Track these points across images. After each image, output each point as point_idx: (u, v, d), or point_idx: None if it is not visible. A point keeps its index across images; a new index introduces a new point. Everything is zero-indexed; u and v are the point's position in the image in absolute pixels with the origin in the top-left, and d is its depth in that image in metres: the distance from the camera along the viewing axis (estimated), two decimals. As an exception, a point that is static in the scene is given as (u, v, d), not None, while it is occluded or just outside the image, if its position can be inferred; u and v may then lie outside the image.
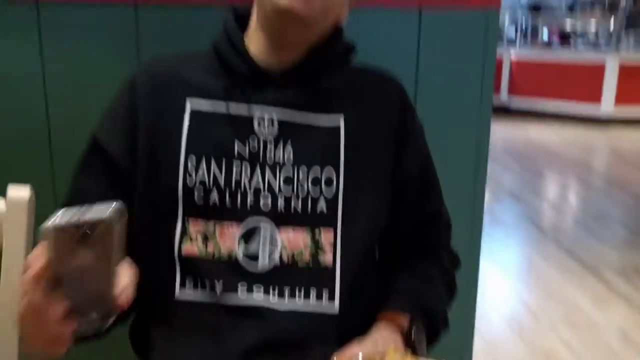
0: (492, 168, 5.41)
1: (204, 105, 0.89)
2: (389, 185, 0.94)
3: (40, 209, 0.90)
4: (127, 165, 0.89)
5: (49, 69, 1.27)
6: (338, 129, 0.91)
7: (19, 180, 0.93)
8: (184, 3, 1.25)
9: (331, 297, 0.87)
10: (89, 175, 0.91)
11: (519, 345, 2.46)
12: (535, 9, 9.14)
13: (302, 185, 0.88)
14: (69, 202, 0.87)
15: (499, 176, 5.23)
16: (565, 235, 3.82)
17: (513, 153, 6.23)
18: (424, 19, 1.34)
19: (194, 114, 0.89)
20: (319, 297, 0.87)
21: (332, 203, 0.88)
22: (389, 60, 1.16)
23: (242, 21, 0.94)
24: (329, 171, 0.88)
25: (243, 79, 0.89)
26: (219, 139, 0.88)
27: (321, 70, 0.92)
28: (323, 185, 0.88)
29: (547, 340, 2.51)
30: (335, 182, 0.88)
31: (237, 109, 0.88)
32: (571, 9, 8.98)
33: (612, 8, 8.55)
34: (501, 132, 7.29)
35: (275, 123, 0.88)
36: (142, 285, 0.86)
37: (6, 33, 1.25)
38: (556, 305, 2.83)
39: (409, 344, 0.88)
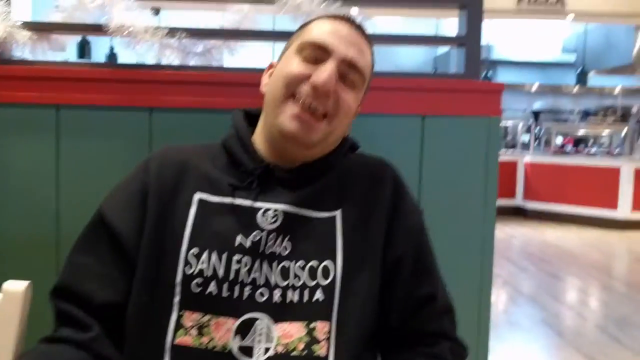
0: (508, 271, 5.35)
1: (211, 198, 0.92)
2: (381, 267, 0.94)
3: (43, 305, 0.92)
4: (132, 249, 0.89)
5: (63, 167, 1.34)
6: (334, 218, 0.93)
7: (24, 274, 0.98)
8: (195, 107, 1.34)
9: None
10: (91, 252, 0.90)
11: None
12: (548, 116, 9.39)
13: (298, 277, 0.89)
14: (67, 279, 0.89)
15: (515, 279, 5.15)
16: (585, 340, 3.69)
17: (530, 256, 6.15)
18: (427, 123, 1.41)
19: (201, 206, 0.91)
20: None
21: (329, 291, 0.89)
22: (393, 161, 1.21)
23: (251, 118, 1.02)
24: (325, 264, 0.90)
25: (250, 175, 0.93)
26: (222, 231, 0.89)
27: (324, 170, 0.97)
28: (319, 275, 0.89)
29: None
30: (332, 273, 0.89)
31: (243, 201, 0.91)
32: (586, 115, 9.22)
33: (625, 115, 8.75)
34: (517, 234, 7.25)
35: (280, 216, 0.91)
36: None
37: (26, 132, 1.33)
38: (578, 414, 2.68)
39: None
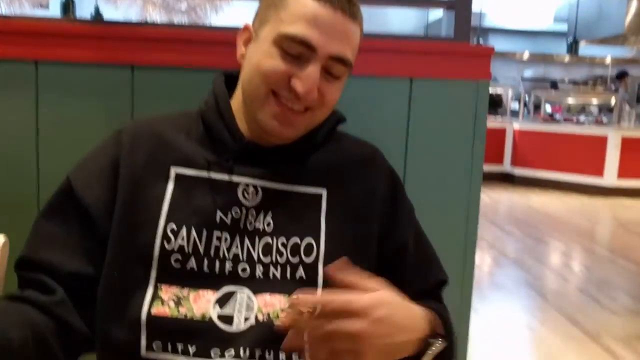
0: (494, 235, 5.42)
1: (188, 173, 0.88)
2: (376, 256, 0.93)
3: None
4: (102, 223, 0.86)
5: (43, 124, 1.31)
6: (320, 197, 0.91)
7: (4, 232, 0.97)
8: (178, 66, 1.31)
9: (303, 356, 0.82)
10: (59, 223, 0.87)
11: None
12: (538, 84, 9.40)
13: (280, 254, 0.87)
14: (33, 249, 0.85)
15: (500, 242, 5.22)
16: (566, 302, 3.77)
17: (515, 220, 6.23)
18: (415, 86, 1.40)
19: (178, 181, 0.88)
20: (290, 357, 0.84)
21: (312, 270, 0.87)
22: (380, 126, 1.20)
23: (232, 80, 0.97)
24: (308, 241, 0.88)
25: (229, 152, 0.89)
26: (202, 207, 0.86)
27: (309, 148, 0.93)
28: (302, 254, 0.87)
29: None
30: (315, 251, 0.87)
31: (222, 176, 0.88)
32: (575, 84, 9.24)
33: (615, 84, 8.78)
34: (504, 199, 7.31)
35: (260, 192, 0.88)
36: (105, 346, 0.85)
37: (4, 87, 1.30)
38: (556, 372, 2.76)
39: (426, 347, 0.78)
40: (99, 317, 0.86)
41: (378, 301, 0.72)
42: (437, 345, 0.79)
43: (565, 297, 3.92)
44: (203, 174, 0.88)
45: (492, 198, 7.33)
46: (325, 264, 0.86)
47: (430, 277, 0.98)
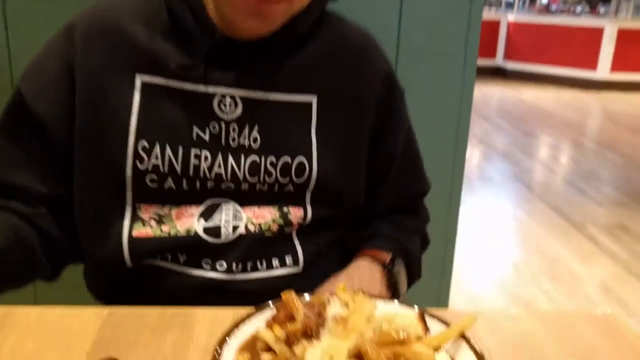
0: (484, 129, 5.46)
1: (156, 81, 0.76)
2: (365, 163, 0.87)
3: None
4: (60, 134, 0.76)
5: (9, 7, 1.24)
6: (310, 105, 0.81)
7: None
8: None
9: (295, 263, 0.82)
10: (10, 137, 0.78)
11: (498, 295, 2.53)
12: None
13: (269, 174, 0.79)
14: None
15: (490, 137, 5.27)
16: (553, 194, 3.87)
17: (506, 114, 6.25)
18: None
19: (145, 90, 0.76)
20: (283, 264, 0.81)
21: (303, 188, 0.81)
22: (372, 17, 1.17)
23: None
24: (300, 160, 0.80)
25: (201, 49, 0.76)
26: (174, 122, 0.76)
27: (293, 40, 0.80)
28: (294, 175, 0.80)
29: (527, 291, 2.59)
30: (307, 172, 0.80)
31: (195, 86, 0.76)
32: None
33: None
34: (496, 94, 7.30)
35: (239, 103, 0.78)
36: (91, 261, 0.83)
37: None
38: (539, 259, 2.90)
39: (390, 279, 0.84)
40: (81, 239, 0.82)
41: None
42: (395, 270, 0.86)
43: (552, 189, 4.03)
44: (173, 83, 0.76)
45: (484, 92, 7.30)
46: (316, 185, 0.81)
47: (412, 188, 0.94)
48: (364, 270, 0.84)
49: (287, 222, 0.80)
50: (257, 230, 0.79)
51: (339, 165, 0.83)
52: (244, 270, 0.79)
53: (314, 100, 0.81)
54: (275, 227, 0.80)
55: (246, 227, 0.78)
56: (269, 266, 0.80)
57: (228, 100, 0.77)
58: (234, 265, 0.78)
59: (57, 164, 0.78)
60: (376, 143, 0.87)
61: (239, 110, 0.77)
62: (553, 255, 2.94)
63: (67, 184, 0.79)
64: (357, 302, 0.58)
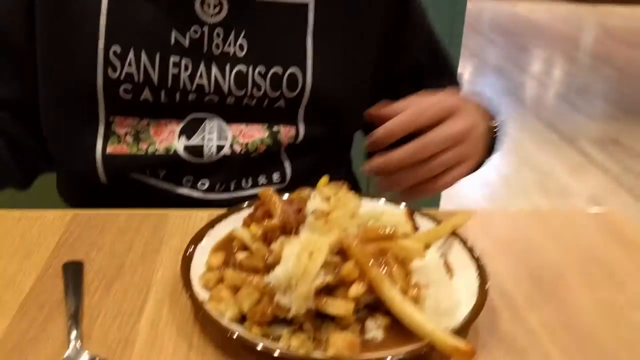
0: (476, 43, 5.33)
1: None
2: (381, 76, 0.80)
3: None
4: (21, 44, 0.71)
5: None
6: (305, 7, 0.72)
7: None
8: None
9: (283, 181, 0.77)
10: None
11: (486, 207, 2.53)
12: None
13: (258, 87, 0.71)
14: None
15: (483, 51, 5.15)
16: (545, 108, 3.83)
17: (499, 28, 6.09)
18: None
19: None
20: (270, 182, 0.77)
21: (294, 103, 0.73)
22: None
23: None
24: (292, 71, 0.72)
25: None
26: (149, 24, 0.69)
27: None
28: (284, 86, 0.72)
29: (518, 204, 2.59)
30: (300, 85, 0.73)
31: None
32: None
33: None
34: (489, 7, 7.09)
35: (225, 2, 0.69)
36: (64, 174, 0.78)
37: None
38: (530, 173, 2.88)
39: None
40: (50, 150, 0.77)
41: (453, 99, 0.65)
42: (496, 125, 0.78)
43: (544, 103, 3.97)
44: None
45: (476, 5, 7.09)
46: (310, 99, 0.73)
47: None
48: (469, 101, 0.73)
49: (276, 142, 0.74)
50: (242, 151, 0.73)
51: (339, 78, 0.75)
52: (227, 190, 0.74)
53: (311, 1, 0.72)
54: (262, 148, 0.74)
55: (231, 147, 0.73)
56: (255, 184, 0.75)
57: (212, 0, 0.69)
58: (217, 185, 0.74)
59: (15, 68, 0.72)
60: (392, 49, 0.79)
61: (224, 11, 0.69)
62: (544, 169, 2.93)
63: (30, 89, 0.73)
64: (340, 197, 0.53)
